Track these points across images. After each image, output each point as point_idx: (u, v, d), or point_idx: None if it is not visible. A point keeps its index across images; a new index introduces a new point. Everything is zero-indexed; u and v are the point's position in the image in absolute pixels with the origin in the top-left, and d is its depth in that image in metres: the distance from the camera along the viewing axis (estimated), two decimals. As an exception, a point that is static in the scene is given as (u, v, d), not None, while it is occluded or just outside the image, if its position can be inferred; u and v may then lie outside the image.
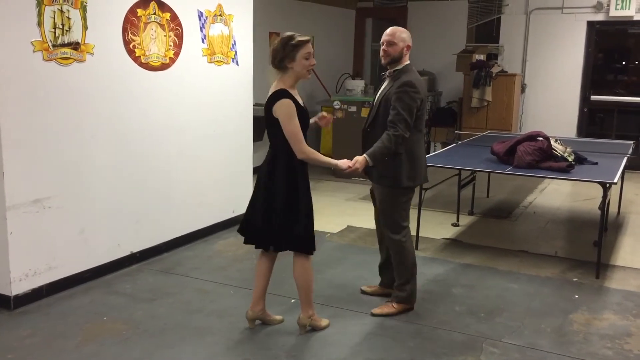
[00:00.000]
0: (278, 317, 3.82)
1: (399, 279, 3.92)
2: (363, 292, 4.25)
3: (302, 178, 3.49)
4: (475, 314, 3.94)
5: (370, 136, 3.79)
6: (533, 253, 5.21)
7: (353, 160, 3.57)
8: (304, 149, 3.38)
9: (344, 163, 3.55)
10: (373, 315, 3.87)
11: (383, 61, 3.83)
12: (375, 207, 4.08)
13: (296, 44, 3.37)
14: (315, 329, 3.67)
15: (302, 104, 3.47)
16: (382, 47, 3.78)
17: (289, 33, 3.45)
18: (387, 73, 3.87)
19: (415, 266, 3.95)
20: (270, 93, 3.45)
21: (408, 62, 3.81)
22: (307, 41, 3.40)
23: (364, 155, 3.63)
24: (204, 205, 5.41)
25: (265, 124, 3.53)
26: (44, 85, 3.90)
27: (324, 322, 3.74)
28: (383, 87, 3.86)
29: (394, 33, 3.77)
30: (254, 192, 3.67)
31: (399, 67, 3.78)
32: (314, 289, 3.68)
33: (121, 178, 4.54)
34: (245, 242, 3.70)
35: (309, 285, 3.63)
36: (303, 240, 3.52)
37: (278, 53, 3.40)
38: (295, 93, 3.46)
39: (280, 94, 3.38)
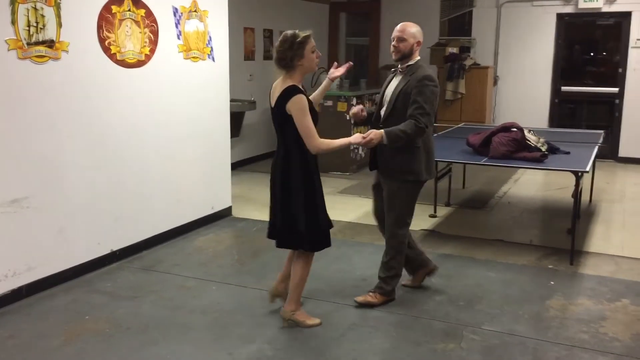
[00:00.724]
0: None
1: (388, 272, 3.93)
2: (404, 285, 4.22)
3: (316, 174, 3.56)
4: (455, 303, 4.02)
5: None
6: (509, 242, 5.32)
7: (367, 132, 3.57)
8: (317, 144, 3.40)
9: (357, 137, 3.54)
10: (357, 303, 3.91)
11: (394, 57, 3.80)
12: (375, 202, 4.09)
13: (302, 41, 3.44)
14: (298, 325, 3.66)
15: (310, 99, 3.53)
16: (393, 43, 3.77)
17: (289, 32, 3.50)
18: (398, 69, 3.84)
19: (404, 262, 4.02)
20: (279, 90, 3.46)
21: (419, 57, 3.81)
22: (310, 36, 3.49)
23: (381, 130, 3.61)
24: (182, 202, 5.40)
25: (276, 121, 3.55)
26: (19, 84, 3.86)
27: (310, 320, 3.68)
28: (396, 82, 3.82)
29: (404, 29, 3.76)
30: (271, 193, 3.68)
31: (411, 62, 3.78)
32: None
33: (99, 176, 4.51)
34: (278, 245, 3.68)
35: (301, 282, 3.65)
36: (305, 237, 3.52)
37: (287, 53, 3.43)
38: (301, 87, 3.50)
39: (293, 90, 3.40)
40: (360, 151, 8.17)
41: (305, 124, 3.38)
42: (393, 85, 3.85)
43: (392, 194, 3.84)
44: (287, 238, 3.59)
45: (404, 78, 3.76)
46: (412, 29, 3.76)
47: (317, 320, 3.71)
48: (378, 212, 4.10)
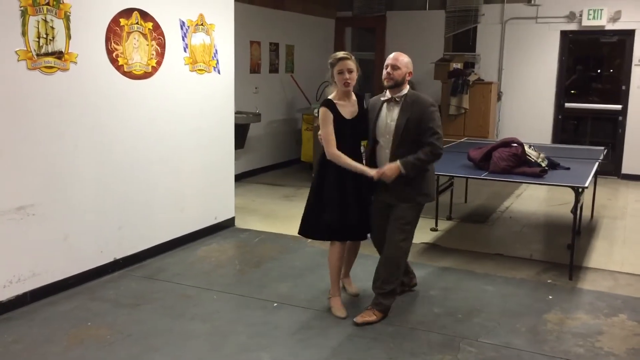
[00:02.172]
0: (355, 289, 4.33)
1: (389, 286, 3.90)
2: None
3: (332, 173, 3.91)
4: (453, 315, 4.05)
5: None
6: (509, 256, 5.35)
7: (385, 167, 3.79)
8: (332, 151, 3.86)
9: (372, 171, 3.81)
10: (356, 324, 3.85)
11: (386, 84, 3.87)
12: (378, 223, 4.03)
13: (331, 63, 3.91)
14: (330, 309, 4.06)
15: (346, 115, 3.91)
16: (387, 70, 3.85)
17: (334, 53, 3.99)
18: (392, 98, 3.86)
19: None
20: None
21: (408, 87, 3.90)
22: (338, 59, 3.88)
23: (397, 162, 3.76)
24: (186, 212, 5.47)
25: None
26: (28, 94, 3.95)
27: (337, 311, 4.00)
28: (394, 112, 3.85)
29: (398, 58, 3.88)
30: None
31: (404, 91, 3.87)
32: (337, 273, 4.09)
33: (104, 185, 4.59)
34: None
35: (330, 268, 4.10)
36: (328, 228, 3.97)
37: (330, 72, 3.94)
38: (343, 104, 3.92)
39: (323, 102, 3.93)
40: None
41: (323, 132, 3.88)
42: (391, 115, 3.86)
43: (405, 215, 3.88)
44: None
45: (405, 107, 3.82)
46: (405, 59, 3.90)
47: (342, 313, 3.99)
48: (379, 233, 4.03)
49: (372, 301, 3.98)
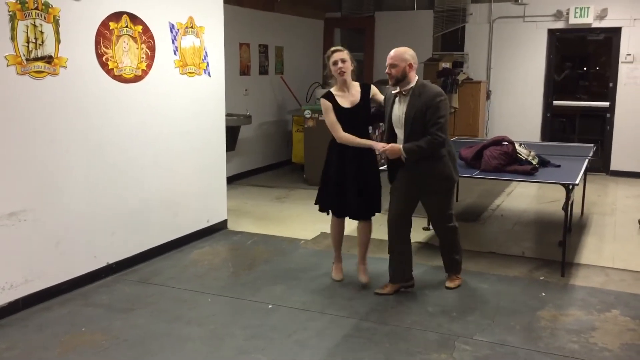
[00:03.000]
0: (364, 279, 4.53)
1: (459, 255, 4.56)
2: (377, 293, 4.38)
3: (334, 155, 4.35)
4: (448, 314, 4.07)
5: None
6: (501, 254, 5.38)
7: (390, 145, 4.10)
8: (340, 135, 4.27)
9: (378, 144, 4.20)
10: (447, 287, 4.49)
11: (390, 83, 4.10)
12: (395, 206, 4.30)
13: (327, 57, 4.30)
14: None
15: (345, 105, 4.27)
16: (386, 71, 4.06)
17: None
18: (401, 91, 4.08)
19: None
20: None
21: (417, 77, 4.07)
22: (332, 52, 4.28)
23: (401, 145, 4.04)
24: (179, 216, 5.45)
25: None
26: (18, 99, 3.93)
27: (334, 274, 4.66)
28: (404, 105, 4.07)
29: (395, 54, 4.04)
30: None
31: (412, 84, 4.03)
32: (336, 241, 4.68)
33: (96, 190, 4.56)
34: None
35: (332, 236, 4.68)
36: (325, 201, 4.52)
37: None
38: (342, 94, 4.30)
39: (323, 95, 4.35)
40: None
41: (327, 120, 4.32)
42: (402, 108, 4.09)
43: (439, 200, 4.28)
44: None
45: (413, 100, 4.00)
46: (402, 54, 4.03)
47: (336, 277, 4.62)
48: (399, 215, 4.30)
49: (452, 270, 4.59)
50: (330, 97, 4.29)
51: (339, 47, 4.32)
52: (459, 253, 4.57)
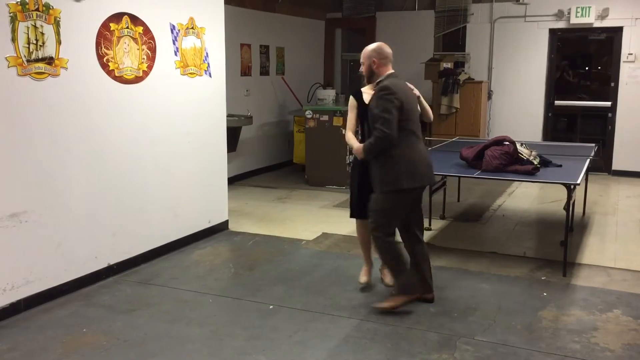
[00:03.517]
0: (388, 280, 4.50)
1: (394, 270, 4.17)
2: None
3: (354, 162, 4.42)
4: (449, 314, 4.06)
5: None
6: (503, 254, 5.37)
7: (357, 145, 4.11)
8: (346, 133, 4.36)
9: (355, 145, 4.18)
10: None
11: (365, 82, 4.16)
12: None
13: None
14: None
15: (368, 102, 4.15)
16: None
17: None
18: (374, 87, 4.08)
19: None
20: None
21: (389, 72, 4.02)
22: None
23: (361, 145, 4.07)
24: (180, 216, 5.46)
25: None
26: (18, 100, 3.93)
27: (361, 277, 4.55)
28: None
29: (362, 53, 4.08)
30: None
31: (380, 79, 4.02)
32: (362, 244, 4.60)
33: (97, 191, 4.57)
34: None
35: (359, 240, 4.62)
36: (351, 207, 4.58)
37: None
38: (370, 92, 4.15)
39: (352, 92, 4.40)
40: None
41: (347, 117, 4.38)
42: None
43: (373, 202, 4.05)
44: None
45: (373, 97, 4.01)
46: (366, 51, 4.05)
47: (362, 279, 4.54)
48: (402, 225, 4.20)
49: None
50: (358, 94, 4.33)
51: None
52: (393, 269, 4.13)
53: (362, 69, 4.11)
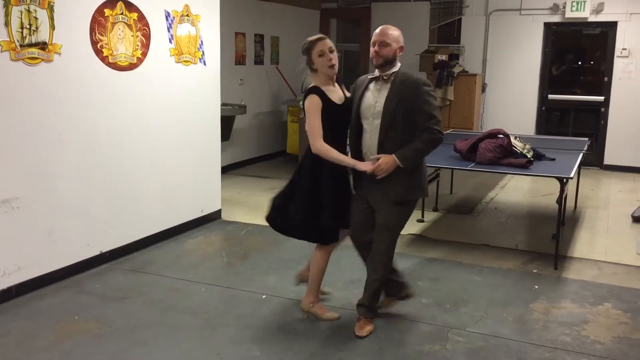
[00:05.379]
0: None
1: (374, 300, 3.71)
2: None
3: (328, 172, 3.56)
4: (441, 305, 4.08)
5: (389, 147, 3.42)
6: (495, 246, 5.39)
7: (380, 160, 3.37)
8: (317, 145, 3.48)
9: (365, 165, 3.43)
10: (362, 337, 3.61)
11: (375, 62, 3.46)
12: (357, 220, 3.67)
13: (307, 47, 3.58)
14: (316, 317, 3.82)
15: (336, 100, 3.56)
16: (374, 48, 3.44)
17: (307, 39, 3.64)
18: (381, 76, 3.48)
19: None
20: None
21: (399, 64, 3.49)
22: (316, 40, 3.57)
23: (393, 155, 3.35)
24: (173, 205, 5.44)
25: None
26: (11, 85, 3.89)
27: (328, 314, 3.83)
28: (383, 91, 3.46)
29: (386, 32, 3.43)
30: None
31: (394, 69, 3.46)
32: (321, 278, 3.86)
33: (90, 178, 4.54)
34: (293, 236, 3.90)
35: (316, 273, 3.82)
36: (325, 231, 3.69)
37: (305, 59, 3.61)
38: (331, 89, 3.58)
39: (310, 90, 3.54)
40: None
41: (310, 122, 3.50)
42: (379, 96, 3.46)
43: (393, 216, 3.51)
44: (302, 230, 3.75)
45: (394, 87, 3.41)
46: (394, 33, 3.46)
47: (334, 315, 3.83)
48: (358, 231, 3.69)
49: (363, 313, 3.68)
50: (320, 93, 3.51)
51: (322, 35, 3.63)
52: (377, 297, 3.70)
53: (383, 50, 3.41)
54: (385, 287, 3.83)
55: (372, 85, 3.53)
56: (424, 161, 3.58)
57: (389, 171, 3.37)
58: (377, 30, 3.50)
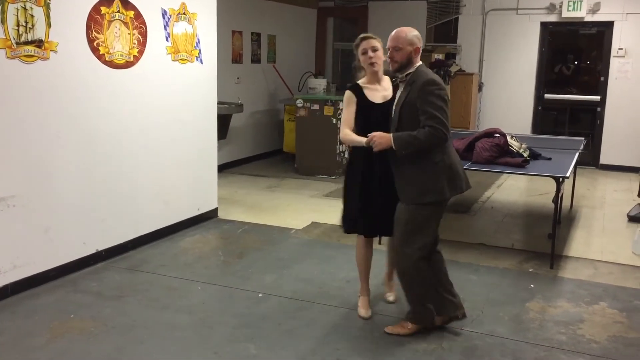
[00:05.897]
0: (391, 296, 4.13)
1: (410, 296, 3.68)
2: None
3: (358, 161, 3.76)
4: (437, 305, 4.08)
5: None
6: (491, 246, 5.40)
7: (376, 133, 3.44)
8: (343, 132, 3.72)
9: (364, 138, 3.54)
10: (386, 332, 3.66)
11: (391, 69, 3.52)
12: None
13: (355, 45, 3.76)
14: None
15: (376, 100, 3.71)
16: (388, 55, 3.50)
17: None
18: (399, 78, 3.53)
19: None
20: None
21: (420, 63, 3.47)
22: (361, 40, 3.72)
23: (391, 134, 3.40)
24: (169, 203, 5.43)
25: None
26: (7, 83, 3.88)
27: (361, 311, 3.90)
28: (399, 93, 3.54)
29: (399, 37, 3.44)
30: None
31: (411, 70, 3.45)
32: (362, 270, 3.96)
33: (86, 176, 4.53)
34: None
35: (356, 262, 4.01)
36: (348, 218, 3.85)
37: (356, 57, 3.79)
38: (373, 88, 3.74)
39: (349, 86, 3.81)
40: (346, 155, 8.24)
41: (343, 114, 3.78)
42: (399, 95, 3.54)
43: (402, 212, 3.50)
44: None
45: (406, 87, 3.46)
46: (408, 36, 3.43)
47: (363, 313, 3.89)
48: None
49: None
50: (357, 90, 3.71)
51: (369, 34, 3.71)
52: (416, 296, 3.63)
53: (396, 55, 3.43)
54: (438, 305, 3.67)
55: (399, 88, 3.62)
56: (442, 163, 3.41)
57: (382, 145, 3.40)
58: (391, 34, 3.50)
